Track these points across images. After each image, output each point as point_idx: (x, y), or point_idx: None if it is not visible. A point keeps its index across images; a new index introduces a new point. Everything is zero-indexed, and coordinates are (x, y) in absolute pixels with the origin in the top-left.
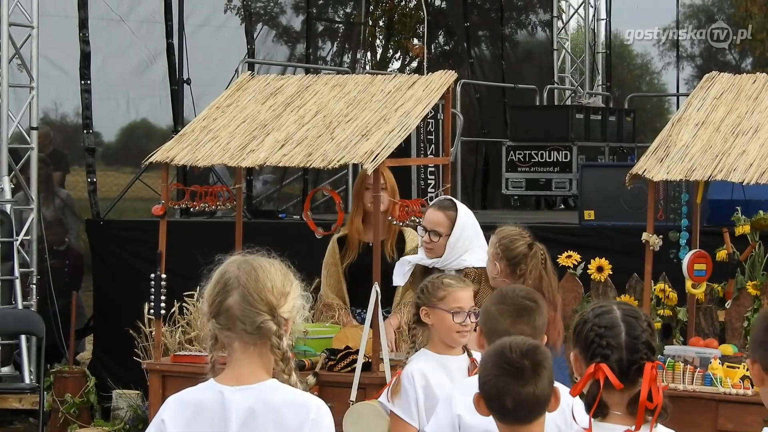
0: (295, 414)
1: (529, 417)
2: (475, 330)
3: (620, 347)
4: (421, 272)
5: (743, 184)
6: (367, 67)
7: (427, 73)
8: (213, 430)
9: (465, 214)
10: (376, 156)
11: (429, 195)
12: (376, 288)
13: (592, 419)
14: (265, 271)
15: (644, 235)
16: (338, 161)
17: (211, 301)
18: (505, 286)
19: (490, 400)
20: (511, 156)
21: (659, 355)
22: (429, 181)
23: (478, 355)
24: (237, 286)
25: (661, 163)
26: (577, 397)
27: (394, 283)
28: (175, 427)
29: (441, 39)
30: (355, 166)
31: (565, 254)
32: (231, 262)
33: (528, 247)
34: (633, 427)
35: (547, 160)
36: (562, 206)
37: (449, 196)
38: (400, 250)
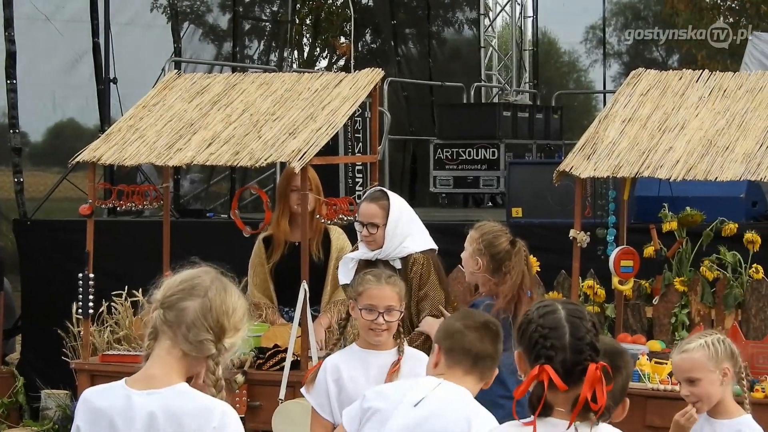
0: (197, 421)
1: None
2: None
3: (564, 348)
4: (365, 267)
5: (670, 180)
6: (295, 66)
7: (354, 71)
8: None
9: (398, 202)
10: (304, 154)
11: (357, 193)
12: (304, 286)
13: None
14: (232, 298)
15: (572, 232)
16: (265, 160)
17: (169, 293)
18: (466, 309)
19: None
20: (439, 154)
21: None
22: (357, 179)
23: (414, 356)
24: (203, 296)
25: (588, 160)
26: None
27: (340, 282)
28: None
29: (368, 37)
30: (282, 164)
31: None
32: (207, 272)
33: (511, 244)
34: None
35: (475, 157)
36: (490, 204)
37: (380, 187)
38: (326, 248)
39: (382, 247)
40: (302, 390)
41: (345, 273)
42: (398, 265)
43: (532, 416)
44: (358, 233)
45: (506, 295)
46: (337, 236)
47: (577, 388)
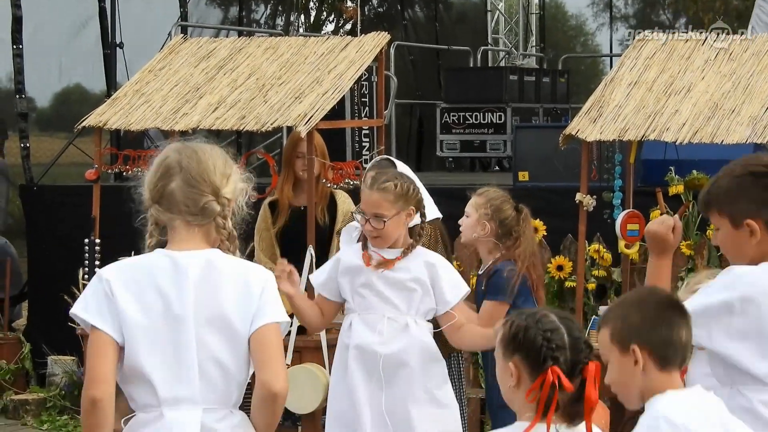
0: (245, 276)
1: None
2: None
3: (565, 348)
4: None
5: (676, 143)
6: (301, 30)
7: (361, 35)
8: (168, 287)
9: (405, 170)
10: (310, 118)
11: (363, 157)
12: (310, 251)
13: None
14: (206, 154)
15: (578, 196)
16: (271, 124)
17: (152, 186)
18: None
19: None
20: (446, 118)
21: (594, 317)
22: (363, 144)
23: (421, 253)
24: (179, 170)
25: (594, 123)
26: None
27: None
28: (125, 288)
29: (374, 1)
30: (289, 128)
31: None
32: (170, 148)
33: (516, 210)
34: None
35: (482, 121)
36: (497, 167)
37: (386, 156)
38: (332, 213)
39: None
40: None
41: (348, 242)
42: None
43: (538, 418)
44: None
45: (524, 260)
46: (343, 200)
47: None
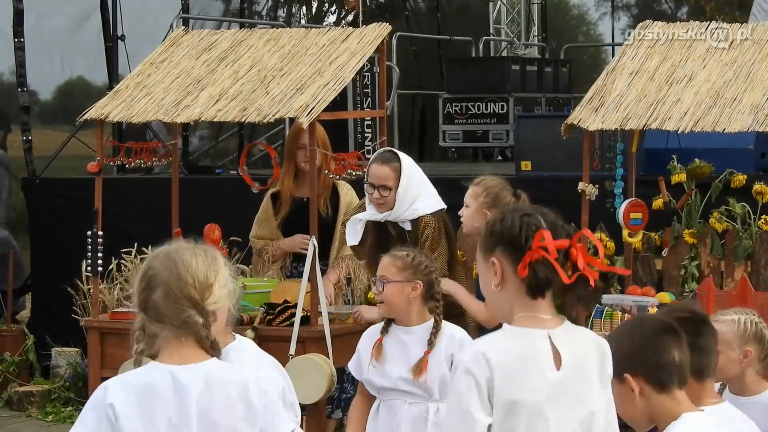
0: (238, 389)
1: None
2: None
3: (547, 222)
4: (373, 228)
5: (678, 132)
6: (303, 21)
7: (363, 26)
8: (171, 410)
9: (408, 163)
10: (312, 110)
11: (366, 148)
12: (313, 242)
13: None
14: (186, 266)
15: (580, 185)
16: (273, 116)
17: (138, 296)
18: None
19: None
20: (448, 108)
21: (596, 305)
22: (366, 135)
23: (449, 333)
24: (160, 283)
25: (596, 112)
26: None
27: (348, 243)
28: (129, 411)
29: None
30: (291, 120)
31: None
32: (155, 256)
33: (515, 197)
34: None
35: (484, 111)
36: (500, 157)
37: (389, 148)
38: (335, 204)
39: (392, 209)
40: None
41: (353, 234)
42: (408, 227)
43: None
44: (368, 195)
45: None
46: (346, 192)
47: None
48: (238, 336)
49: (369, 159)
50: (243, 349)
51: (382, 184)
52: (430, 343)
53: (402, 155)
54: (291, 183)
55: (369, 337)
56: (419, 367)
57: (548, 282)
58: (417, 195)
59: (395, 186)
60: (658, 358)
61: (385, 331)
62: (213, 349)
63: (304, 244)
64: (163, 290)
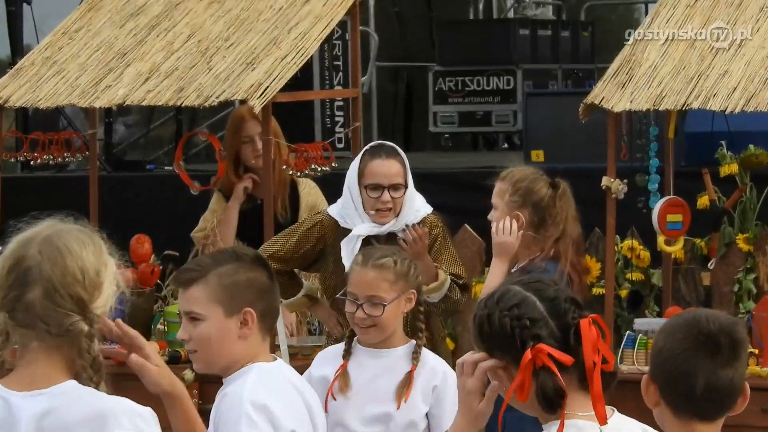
0: (91, 428)
1: (717, 409)
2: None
3: (544, 318)
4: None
5: (726, 112)
6: None
7: None
8: None
9: (405, 158)
10: (266, 90)
11: (337, 135)
12: None
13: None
14: (74, 256)
15: (605, 180)
16: (217, 98)
17: (4, 293)
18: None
19: (673, 381)
20: (440, 84)
21: (628, 332)
22: (336, 119)
23: (430, 365)
24: (39, 278)
25: (623, 89)
26: None
27: (347, 267)
28: None
29: None
30: (242, 103)
31: None
32: (30, 240)
33: (552, 187)
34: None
35: (485, 88)
36: (505, 145)
37: (383, 141)
38: (294, 205)
39: (397, 216)
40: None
41: (349, 255)
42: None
43: (555, 419)
44: (367, 202)
45: (566, 251)
46: (308, 191)
47: (578, 358)
48: (278, 359)
49: (343, 151)
50: (272, 375)
51: (393, 183)
52: (416, 358)
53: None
54: (235, 181)
55: (324, 361)
56: (405, 386)
57: (560, 394)
58: (415, 192)
59: (405, 184)
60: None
61: (348, 353)
62: (93, 367)
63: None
64: (43, 288)
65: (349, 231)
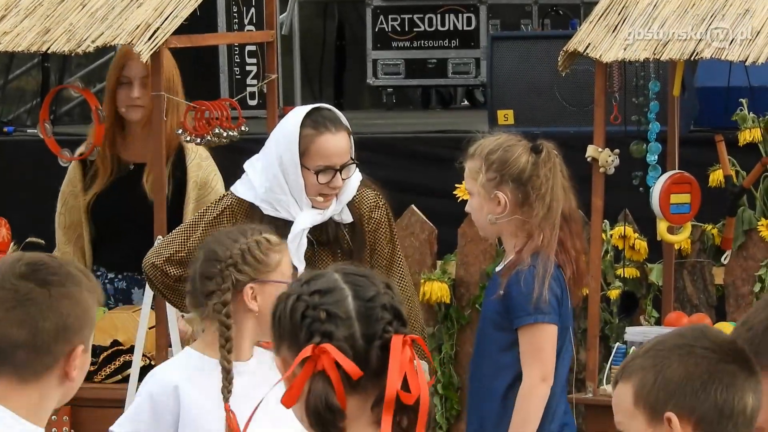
0: None
1: None
2: None
3: (349, 317)
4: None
5: (746, 63)
6: None
7: None
8: None
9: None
10: (156, 32)
11: (249, 89)
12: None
13: None
14: None
15: (590, 150)
16: (93, 42)
17: None
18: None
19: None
20: (381, 23)
21: (618, 343)
22: (247, 69)
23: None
24: None
25: (614, 33)
26: None
27: (298, 267)
28: None
29: None
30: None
31: None
32: None
33: (533, 152)
34: None
35: (439, 28)
36: (465, 103)
37: (318, 105)
38: (179, 180)
39: (337, 197)
40: None
41: (297, 255)
42: (349, 217)
43: None
44: (313, 186)
45: (553, 231)
46: (197, 163)
47: (378, 382)
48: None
49: (256, 109)
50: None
51: (344, 163)
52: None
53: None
54: (116, 138)
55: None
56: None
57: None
58: None
59: (354, 159)
60: (724, 399)
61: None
62: None
63: None
64: None
65: (271, 218)
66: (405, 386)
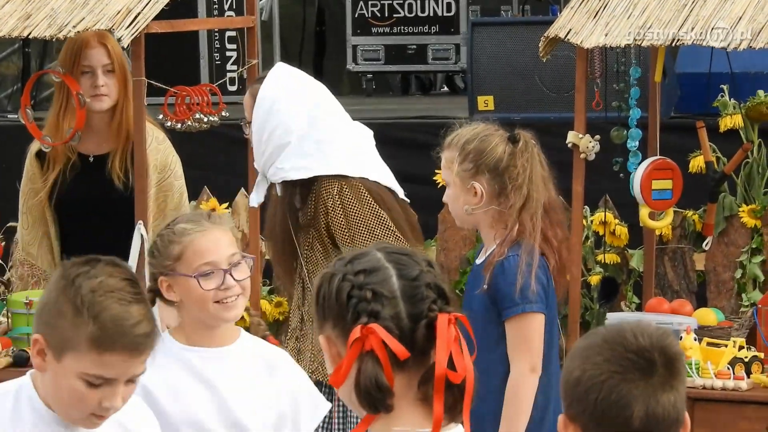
0: None
1: None
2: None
3: (394, 296)
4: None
5: (728, 49)
6: None
7: None
8: None
9: (282, 83)
10: (137, 17)
11: (229, 75)
12: (140, 230)
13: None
14: None
15: (571, 136)
16: (74, 27)
17: None
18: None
19: (602, 415)
20: (361, 9)
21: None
22: (227, 55)
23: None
24: None
25: (595, 19)
26: None
27: (250, 203)
28: None
29: None
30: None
31: None
32: None
33: (510, 142)
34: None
35: (419, 14)
36: (444, 88)
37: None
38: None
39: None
40: None
41: (256, 191)
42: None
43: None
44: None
45: (534, 222)
46: (155, 146)
47: (424, 360)
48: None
49: (236, 95)
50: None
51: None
52: None
53: (283, 70)
54: (67, 126)
55: None
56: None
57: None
58: (285, 144)
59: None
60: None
61: None
62: None
63: None
64: None
65: None
66: (450, 365)
